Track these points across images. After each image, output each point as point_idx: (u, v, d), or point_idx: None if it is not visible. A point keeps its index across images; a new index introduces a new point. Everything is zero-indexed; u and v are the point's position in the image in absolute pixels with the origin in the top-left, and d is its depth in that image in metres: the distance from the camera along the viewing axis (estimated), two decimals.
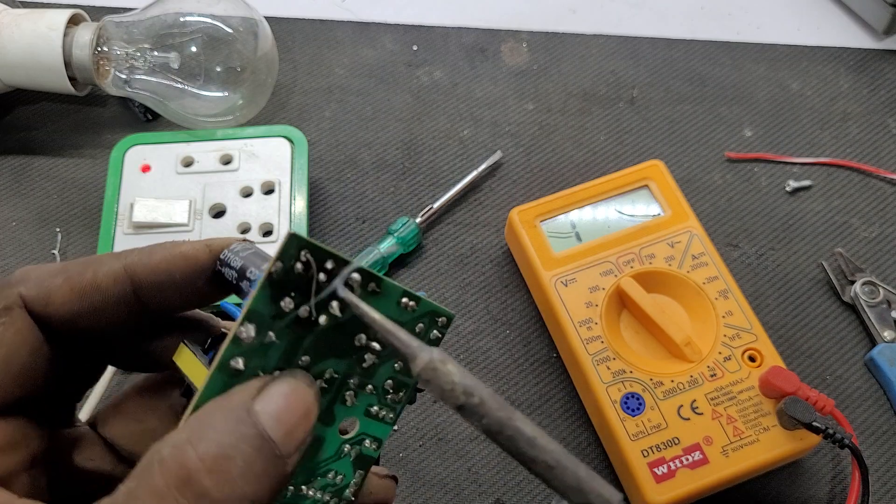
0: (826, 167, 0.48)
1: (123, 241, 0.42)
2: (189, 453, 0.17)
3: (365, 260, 0.43)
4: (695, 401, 0.37)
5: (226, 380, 0.19)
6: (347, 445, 0.23)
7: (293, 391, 0.19)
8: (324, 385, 0.22)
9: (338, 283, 0.20)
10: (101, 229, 0.42)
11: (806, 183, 0.48)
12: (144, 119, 0.50)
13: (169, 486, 0.17)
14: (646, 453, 0.35)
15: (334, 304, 0.20)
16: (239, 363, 0.19)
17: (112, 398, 0.25)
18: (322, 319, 0.20)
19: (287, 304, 0.19)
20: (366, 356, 0.22)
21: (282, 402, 0.19)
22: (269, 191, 0.44)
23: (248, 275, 0.21)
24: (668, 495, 0.35)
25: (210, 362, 0.20)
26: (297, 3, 0.55)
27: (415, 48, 0.53)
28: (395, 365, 0.23)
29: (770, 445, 0.36)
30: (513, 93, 0.51)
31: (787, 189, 0.47)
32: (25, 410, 0.21)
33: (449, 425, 0.40)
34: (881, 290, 0.43)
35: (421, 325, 0.22)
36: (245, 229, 0.43)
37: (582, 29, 0.54)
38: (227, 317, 0.20)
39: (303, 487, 0.22)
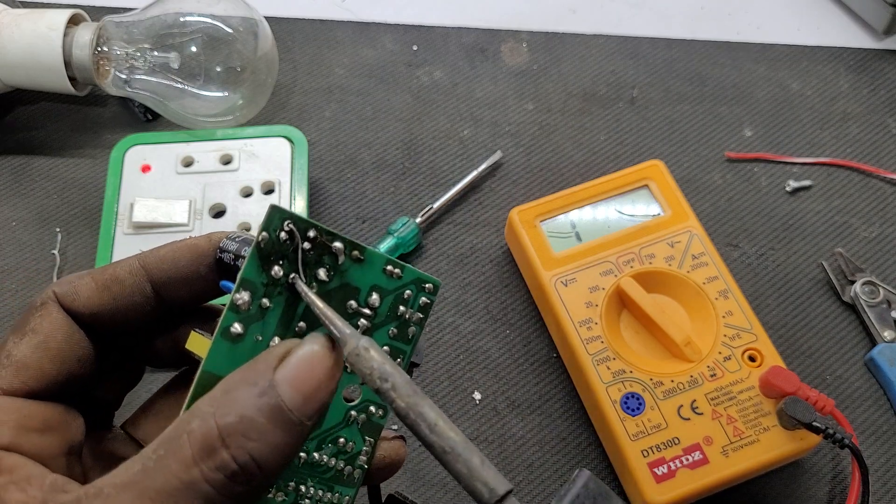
0: (826, 167, 0.48)
1: (123, 241, 0.42)
2: (212, 426, 0.19)
3: None
4: (695, 401, 0.37)
5: (228, 345, 0.21)
6: (353, 412, 0.24)
7: (313, 357, 0.20)
8: None
9: (296, 278, 0.21)
10: (101, 229, 0.42)
11: (806, 183, 0.48)
12: (144, 119, 0.50)
13: (194, 455, 0.19)
14: (646, 453, 0.35)
15: (321, 271, 0.22)
16: (238, 328, 0.21)
17: (142, 404, 0.27)
18: (312, 286, 0.22)
19: (276, 271, 0.21)
20: (360, 322, 0.23)
21: (303, 368, 0.20)
22: (269, 191, 0.44)
23: (242, 253, 0.23)
24: (668, 495, 0.35)
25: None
26: (297, 3, 0.55)
27: (415, 48, 0.53)
28: (390, 331, 0.24)
29: (770, 445, 0.36)
30: (513, 93, 0.51)
31: (787, 189, 0.47)
32: (64, 397, 0.23)
33: None
34: (881, 290, 0.43)
35: (409, 291, 0.24)
36: (245, 229, 0.43)
37: (582, 29, 0.54)
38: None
39: (315, 454, 0.24)
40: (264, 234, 0.21)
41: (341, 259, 0.22)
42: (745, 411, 0.36)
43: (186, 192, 0.44)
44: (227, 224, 0.43)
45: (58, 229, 0.46)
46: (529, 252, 0.41)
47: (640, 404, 0.37)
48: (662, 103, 0.51)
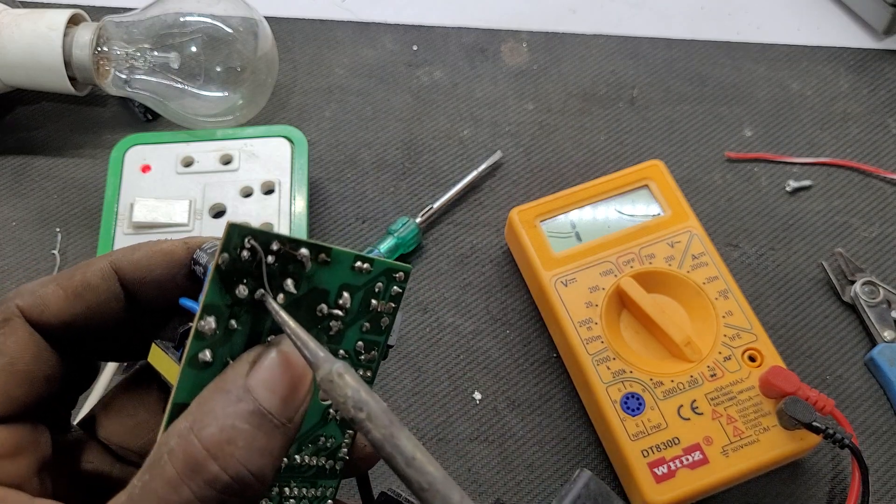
0: (826, 167, 0.48)
1: (123, 241, 0.42)
2: (193, 441, 0.18)
3: None
4: (695, 401, 0.37)
5: (196, 373, 0.20)
6: (332, 410, 0.24)
7: (284, 359, 0.20)
8: None
9: (266, 297, 0.20)
10: (101, 229, 0.42)
11: (806, 183, 0.48)
12: (144, 119, 0.50)
13: (180, 475, 0.18)
14: (646, 453, 0.35)
15: (289, 281, 0.21)
16: (206, 355, 0.20)
17: (99, 400, 0.25)
18: (280, 298, 0.21)
19: (241, 290, 0.20)
20: (331, 324, 0.23)
21: (276, 370, 0.19)
22: (269, 191, 0.44)
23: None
24: (668, 495, 0.35)
25: (180, 359, 0.21)
26: (297, 3, 0.55)
27: (415, 48, 0.53)
28: (363, 326, 0.23)
29: (770, 445, 0.36)
30: (513, 93, 0.51)
31: (787, 189, 0.47)
32: (31, 415, 0.22)
33: (449, 426, 0.40)
34: (881, 290, 0.43)
35: (379, 284, 0.23)
36: None
37: (582, 29, 0.54)
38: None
39: (296, 457, 0.23)
40: (224, 255, 0.19)
41: (308, 266, 0.21)
42: (745, 411, 0.36)
43: (186, 192, 0.44)
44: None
45: (58, 229, 0.46)
46: (529, 252, 0.41)
47: (640, 404, 0.37)
48: (662, 103, 0.51)
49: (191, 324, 0.20)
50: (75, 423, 0.25)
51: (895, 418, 0.41)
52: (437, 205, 0.46)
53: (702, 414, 0.36)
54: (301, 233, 0.42)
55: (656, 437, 0.36)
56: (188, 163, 0.45)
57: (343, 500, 0.26)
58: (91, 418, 0.25)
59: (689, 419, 0.36)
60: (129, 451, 0.24)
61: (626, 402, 0.37)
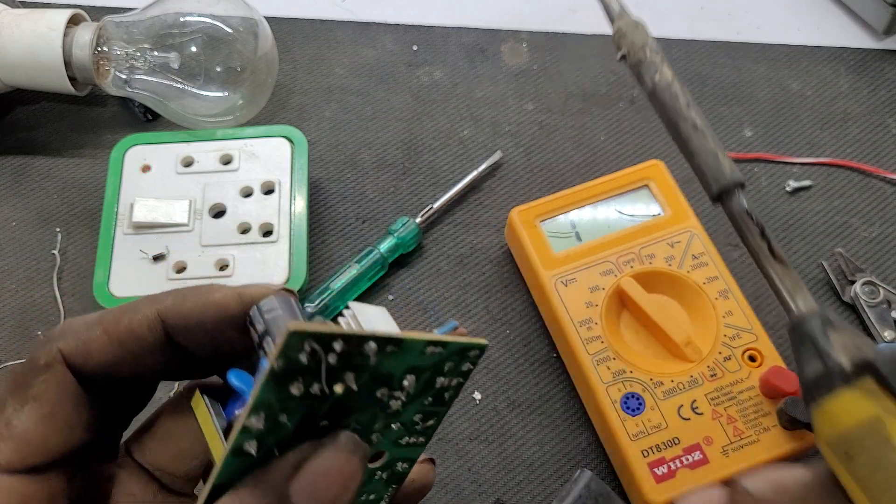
0: (826, 167, 0.48)
1: (123, 241, 0.42)
2: None
3: (364, 261, 0.43)
4: (695, 401, 0.37)
5: (240, 461, 0.18)
6: (379, 472, 0.22)
7: (333, 464, 0.18)
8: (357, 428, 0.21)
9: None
10: (101, 229, 0.42)
11: (806, 183, 0.48)
12: (144, 119, 0.50)
13: None
14: (646, 453, 0.35)
15: (350, 375, 0.19)
16: (252, 448, 0.18)
17: (144, 421, 0.24)
18: (338, 388, 0.19)
19: (297, 388, 0.18)
20: (391, 402, 0.21)
21: (322, 477, 0.18)
22: (269, 191, 0.44)
23: (264, 344, 0.20)
24: (668, 495, 0.35)
25: (224, 430, 0.19)
26: (297, 3, 0.55)
27: (415, 48, 0.53)
28: (426, 401, 0.21)
29: (770, 445, 0.36)
30: (513, 93, 0.51)
31: (787, 189, 0.47)
32: (67, 462, 0.21)
33: (449, 425, 0.40)
34: (881, 290, 0.43)
35: (450, 363, 0.21)
36: (245, 229, 0.43)
37: (582, 29, 0.54)
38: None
39: None
40: (280, 361, 0.18)
41: (374, 360, 0.19)
42: (745, 411, 0.36)
43: (186, 192, 0.44)
44: (227, 224, 0.43)
45: (58, 229, 0.46)
46: (529, 252, 0.41)
47: (640, 404, 0.37)
48: None
49: (238, 412, 0.18)
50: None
51: None
52: (437, 205, 0.46)
53: (702, 414, 0.36)
54: (301, 233, 0.42)
55: (656, 437, 0.36)
56: (188, 163, 0.45)
57: None
58: (136, 442, 0.24)
59: (689, 419, 0.36)
60: (173, 476, 0.23)
61: (626, 402, 0.37)
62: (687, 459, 0.35)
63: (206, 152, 0.45)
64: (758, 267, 0.22)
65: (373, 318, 0.22)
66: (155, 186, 0.44)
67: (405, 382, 0.20)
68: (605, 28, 0.54)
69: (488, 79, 0.52)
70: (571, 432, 0.40)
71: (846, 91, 0.51)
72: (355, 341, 0.18)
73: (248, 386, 0.20)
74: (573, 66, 0.53)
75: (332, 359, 0.18)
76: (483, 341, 0.21)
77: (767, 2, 0.56)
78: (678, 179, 0.44)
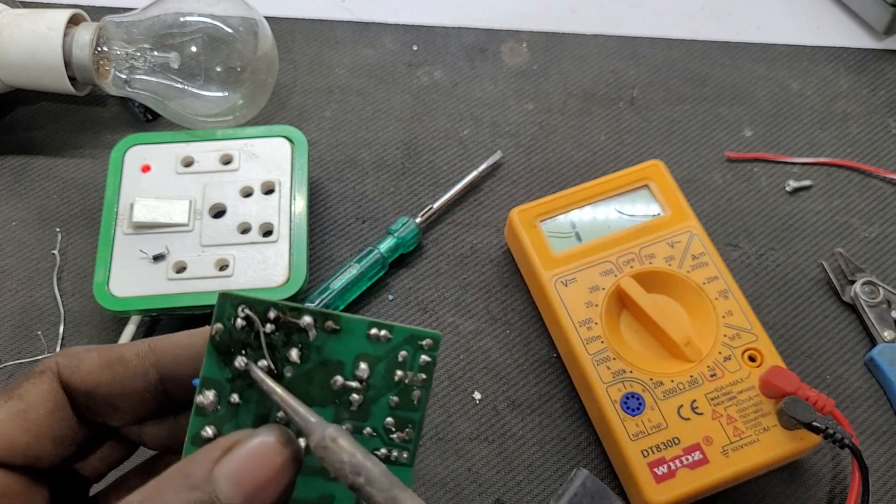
0: (826, 167, 0.48)
1: (123, 241, 0.42)
2: None
3: (364, 261, 0.43)
4: (695, 401, 0.37)
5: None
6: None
7: (261, 450, 0.18)
8: None
9: (243, 361, 0.19)
10: (101, 229, 0.42)
11: (806, 183, 0.48)
12: (144, 119, 0.50)
13: None
14: (646, 453, 0.35)
15: (293, 352, 0.19)
16: (208, 432, 0.19)
17: (117, 478, 0.25)
18: (287, 371, 0.19)
19: (240, 362, 0.19)
20: (351, 398, 0.21)
21: (247, 462, 0.18)
22: (269, 191, 0.44)
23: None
24: (668, 495, 0.35)
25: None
26: (297, 3, 0.55)
27: (415, 48, 0.53)
28: (391, 400, 0.21)
29: (770, 445, 0.36)
30: (513, 93, 0.51)
31: (787, 189, 0.47)
32: (35, 472, 0.22)
33: (449, 425, 0.40)
34: (881, 290, 0.43)
35: (403, 352, 0.21)
36: (245, 229, 0.43)
37: (582, 29, 0.54)
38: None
39: None
40: (218, 325, 0.19)
41: (313, 334, 0.20)
42: (745, 411, 0.36)
43: (186, 192, 0.44)
44: (227, 224, 0.43)
45: (58, 229, 0.46)
46: (529, 252, 0.41)
47: (640, 404, 0.37)
48: (662, 103, 0.51)
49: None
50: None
51: (895, 418, 0.41)
52: (437, 205, 0.46)
53: (702, 414, 0.36)
54: (301, 233, 0.42)
55: (656, 437, 0.36)
56: (188, 163, 0.45)
57: None
58: (103, 494, 0.25)
59: (689, 419, 0.36)
60: None
61: (626, 402, 0.37)
62: (687, 459, 0.35)
63: (206, 152, 0.45)
64: None
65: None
66: (155, 186, 0.44)
67: (358, 370, 0.20)
68: (605, 28, 0.54)
69: (488, 79, 0.52)
70: (571, 432, 0.40)
71: (846, 91, 0.51)
72: (289, 312, 0.19)
73: None
74: (573, 66, 0.53)
75: (269, 328, 0.19)
76: (436, 333, 0.21)
77: (767, 2, 0.56)
78: (678, 179, 0.44)
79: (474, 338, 0.43)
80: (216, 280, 0.41)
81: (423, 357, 0.21)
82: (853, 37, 0.54)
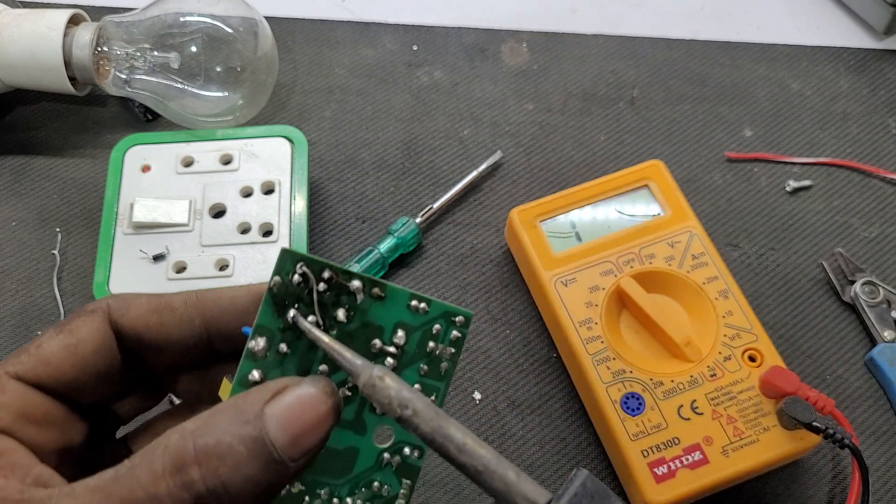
0: (826, 167, 0.48)
1: (123, 241, 0.42)
2: (188, 444, 0.19)
3: (364, 261, 0.43)
4: (695, 401, 0.37)
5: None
6: (387, 454, 0.23)
7: (308, 397, 0.20)
8: (347, 393, 0.22)
9: (292, 313, 0.21)
10: (101, 229, 0.42)
11: (806, 183, 0.48)
12: (144, 119, 0.50)
13: (164, 469, 0.18)
14: (646, 453, 0.35)
15: (340, 312, 0.21)
16: (255, 375, 0.20)
17: (141, 423, 0.26)
18: (331, 329, 0.21)
19: (292, 315, 0.21)
20: (386, 361, 0.22)
21: (295, 406, 0.19)
22: (269, 191, 0.44)
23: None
24: (668, 495, 0.35)
25: None
26: (297, 3, 0.55)
27: (415, 48, 0.53)
28: (420, 369, 0.23)
29: (770, 445, 0.36)
30: (513, 93, 0.51)
31: (787, 189, 0.47)
32: (75, 404, 0.23)
33: None
34: (881, 290, 0.43)
35: (438, 326, 0.23)
36: (245, 229, 0.43)
37: (582, 29, 0.54)
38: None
39: (348, 500, 0.23)
40: (276, 278, 0.20)
41: (360, 298, 0.21)
42: (745, 411, 0.36)
43: (186, 192, 0.44)
44: (227, 224, 0.43)
45: (58, 229, 0.46)
46: (529, 252, 0.41)
47: (640, 404, 0.37)
48: (662, 103, 0.51)
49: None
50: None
51: (895, 418, 0.41)
52: (437, 205, 0.46)
53: (702, 414, 0.36)
54: (301, 233, 0.42)
55: (656, 437, 0.36)
56: (188, 163, 0.45)
57: None
58: (133, 435, 0.26)
59: (689, 419, 0.36)
60: None
61: (626, 402, 0.37)
62: (687, 459, 0.35)
63: (206, 152, 0.45)
64: None
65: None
66: (155, 186, 0.44)
67: (396, 337, 0.22)
68: (605, 28, 0.54)
69: (488, 79, 0.52)
70: (571, 432, 0.40)
71: (846, 91, 0.51)
72: (342, 274, 0.21)
73: None
74: (573, 66, 0.53)
75: (321, 286, 0.21)
76: (468, 311, 0.23)
77: (767, 2, 0.56)
78: (678, 179, 0.44)
79: (474, 338, 0.43)
80: (216, 280, 0.41)
81: (455, 332, 0.23)
82: (853, 37, 0.54)
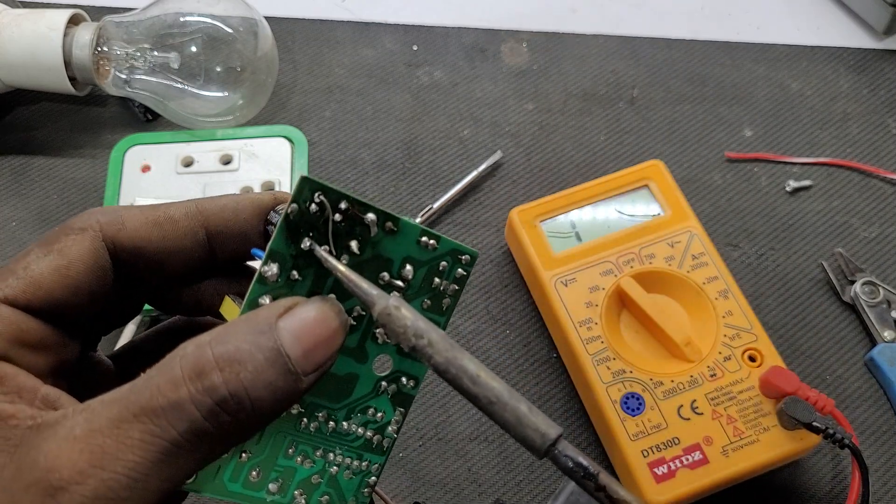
0: (826, 167, 0.48)
1: None
2: (207, 352, 0.19)
3: None
4: (695, 401, 0.37)
5: None
6: (384, 382, 0.24)
7: (319, 314, 0.20)
8: (352, 322, 0.23)
9: (308, 242, 0.21)
10: None
11: (806, 183, 0.48)
12: (144, 119, 0.50)
13: (184, 375, 0.18)
14: (646, 453, 0.35)
15: (353, 243, 0.21)
16: (266, 300, 0.20)
17: (130, 340, 0.26)
18: (343, 259, 0.21)
19: (306, 243, 0.21)
20: (392, 294, 0.23)
21: (307, 322, 0.20)
22: (269, 190, 0.44)
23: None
24: (668, 495, 0.35)
25: None
26: (297, 3, 0.55)
27: (415, 48, 0.53)
28: (423, 303, 0.24)
29: (770, 445, 0.36)
30: (513, 93, 0.51)
31: (787, 189, 0.47)
32: (66, 324, 0.22)
33: (449, 425, 0.40)
34: (881, 290, 0.43)
35: (444, 263, 0.23)
36: None
37: (582, 29, 0.54)
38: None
39: (344, 423, 0.24)
40: (294, 205, 0.20)
41: (374, 231, 0.22)
42: (745, 411, 0.36)
43: (186, 192, 0.44)
44: None
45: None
46: (529, 252, 0.41)
47: (640, 404, 0.37)
48: (662, 103, 0.51)
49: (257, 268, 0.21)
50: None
51: (895, 418, 0.41)
52: (437, 205, 0.46)
53: (702, 414, 0.36)
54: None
55: (656, 437, 0.36)
56: (188, 163, 0.45)
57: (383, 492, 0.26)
58: (117, 353, 0.26)
59: (689, 419, 0.36)
60: None
61: (626, 402, 0.37)
62: (687, 459, 0.35)
63: (206, 152, 0.45)
64: None
65: None
66: (155, 186, 0.44)
67: (404, 271, 0.23)
68: (605, 28, 0.54)
69: (488, 79, 0.52)
70: (571, 432, 0.40)
71: (846, 91, 0.51)
72: (358, 206, 0.21)
73: None
74: (573, 66, 0.53)
75: (337, 217, 0.21)
76: (474, 251, 0.24)
77: (767, 2, 0.56)
78: (678, 179, 0.44)
79: (474, 338, 0.43)
80: None
81: (459, 270, 0.24)
82: (853, 37, 0.54)
